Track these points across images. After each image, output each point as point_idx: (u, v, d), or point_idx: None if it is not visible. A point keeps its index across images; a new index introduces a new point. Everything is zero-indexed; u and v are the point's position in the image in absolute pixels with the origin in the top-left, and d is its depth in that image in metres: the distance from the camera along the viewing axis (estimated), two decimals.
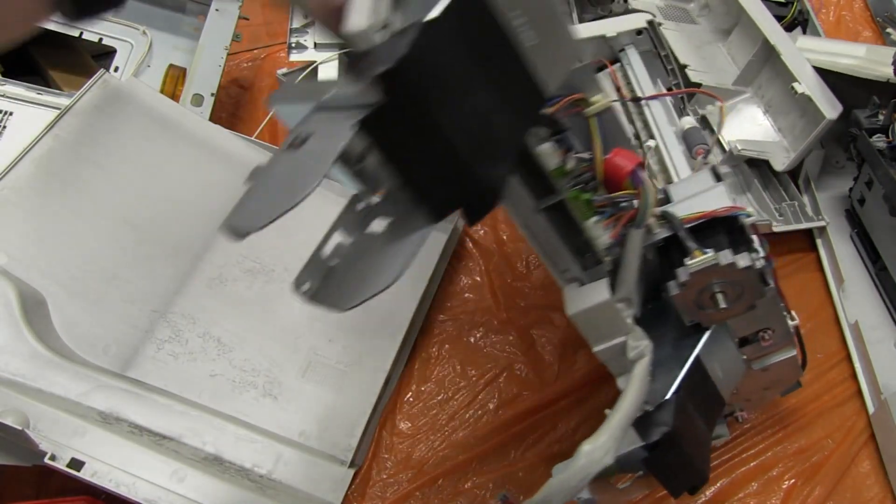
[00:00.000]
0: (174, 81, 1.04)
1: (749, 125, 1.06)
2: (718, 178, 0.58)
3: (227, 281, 0.81)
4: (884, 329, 0.87)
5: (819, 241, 1.00)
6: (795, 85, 0.96)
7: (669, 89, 0.94)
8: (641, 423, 0.55)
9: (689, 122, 0.84)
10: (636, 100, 0.89)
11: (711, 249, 0.52)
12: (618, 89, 0.88)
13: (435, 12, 0.34)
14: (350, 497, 0.72)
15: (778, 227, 0.95)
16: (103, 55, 1.10)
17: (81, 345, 0.73)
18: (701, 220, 0.54)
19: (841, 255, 0.95)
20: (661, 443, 0.54)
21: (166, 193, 0.85)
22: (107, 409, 0.70)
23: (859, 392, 0.85)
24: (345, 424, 0.75)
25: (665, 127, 0.82)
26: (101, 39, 1.01)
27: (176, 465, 0.67)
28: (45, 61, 1.10)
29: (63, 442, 0.65)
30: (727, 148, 1.02)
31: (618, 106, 0.87)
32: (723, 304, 0.54)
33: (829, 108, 0.92)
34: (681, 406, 0.54)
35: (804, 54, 0.99)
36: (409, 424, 0.80)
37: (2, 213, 0.75)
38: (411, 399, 0.82)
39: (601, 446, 0.46)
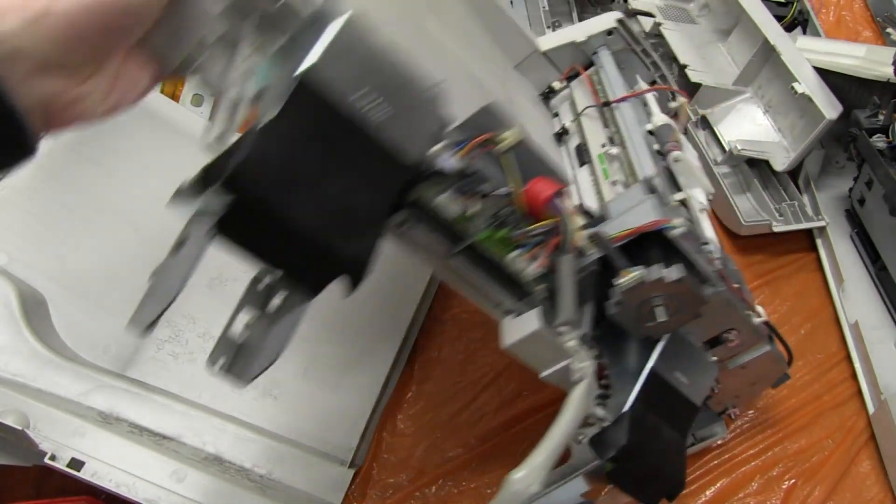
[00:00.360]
0: (174, 82, 1.04)
1: (749, 125, 1.06)
2: (652, 189, 0.57)
3: (228, 281, 0.81)
4: (884, 329, 0.87)
5: (819, 241, 1.00)
6: (795, 85, 0.96)
7: (653, 82, 0.94)
8: (598, 439, 0.56)
9: (661, 118, 0.83)
10: (606, 104, 0.87)
11: (641, 266, 0.53)
12: (596, 94, 0.88)
13: (271, 113, 0.36)
14: (350, 497, 0.72)
15: (778, 227, 0.95)
16: None
17: (81, 345, 0.73)
18: (631, 237, 0.54)
19: (841, 255, 0.95)
20: (620, 458, 0.55)
21: (166, 193, 0.85)
22: (107, 409, 0.70)
23: (859, 392, 0.85)
24: (345, 424, 0.75)
25: (634, 128, 0.81)
26: None
27: (176, 465, 0.67)
28: None
29: (63, 442, 0.65)
30: (727, 148, 1.02)
31: (584, 121, 0.87)
32: (662, 318, 0.54)
33: (829, 108, 0.92)
34: (638, 419, 0.55)
35: (804, 54, 0.99)
36: (410, 424, 0.80)
37: (2, 213, 0.75)
38: (411, 399, 0.82)
39: (525, 477, 0.45)
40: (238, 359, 0.41)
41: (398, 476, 0.75)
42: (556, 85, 0.93)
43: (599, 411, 0.58)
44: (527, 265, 0.52)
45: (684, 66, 1.12)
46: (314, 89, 0.37)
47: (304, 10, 0.40)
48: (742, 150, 0.99)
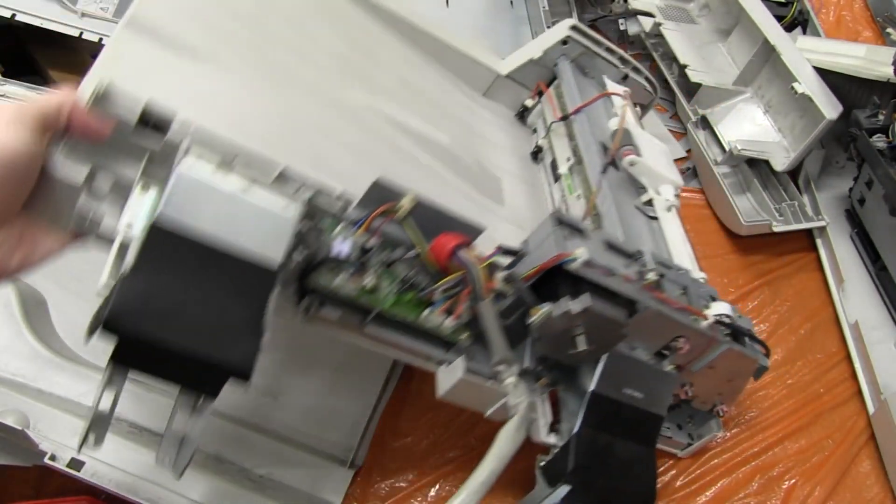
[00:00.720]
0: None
1: (749, 125, 1.06)
2: (559, 221, 0.58)
3: None
4: (884, 329, 0.87)
5: (819, 241, 1.00)
6: (795, 85, 0.96)
7: (626, 76, 0.94)
8: (548, 466, 0.58)
9: (613, 124, 0.83)
10: (565, 117, 0.88)
11: (548, 303, 0.55)
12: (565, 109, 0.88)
13: (130, 259, 0.42)
14: (350, 497, 0.72)
15: (778, 227, 0.95)
16: None
17: (81, 345, 0.73)
18: (539, 275, 0.56)
19: (841, 255, 0.95)
20: (571, 482, 0.56)
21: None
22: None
23: (859, 392, 0.85)
24: (345, 424, 0.75)
25: (589, 139, 0.81)
26: (101, 39, 1.01)
27: None
28: (45, 61, 1.10)
29: (63, 442, 0.65)
30: (727, 148, 1.02)
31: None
32: (583, 346, 0.55)
33: (829, 108, 0.92)
34: (585, 442, 0.57)
35: (804, 54, 0.99)
36: (410, 425, 0.80)
37: None
38: (412, 399, 0.82)
39: None
40: (178, 456, 0.48)
41: (398, 476, 0.75)
42: (529, 102, 0.94)
43: (552, 438, 0.60)
44: (442, 319, 0.55)
45: (684, 66, 1.12)
46: (167, 229, 0.43)
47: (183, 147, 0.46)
48: (742, 150, 0.99)
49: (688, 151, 1.13)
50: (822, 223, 0.98)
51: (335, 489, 0.71)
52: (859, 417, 0.83)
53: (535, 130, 0.93)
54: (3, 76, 0.94)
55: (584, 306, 0.54)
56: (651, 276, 0.59)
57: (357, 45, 0.81)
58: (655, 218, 0.75)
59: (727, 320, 0.63)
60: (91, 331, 0.42)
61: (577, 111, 0.83)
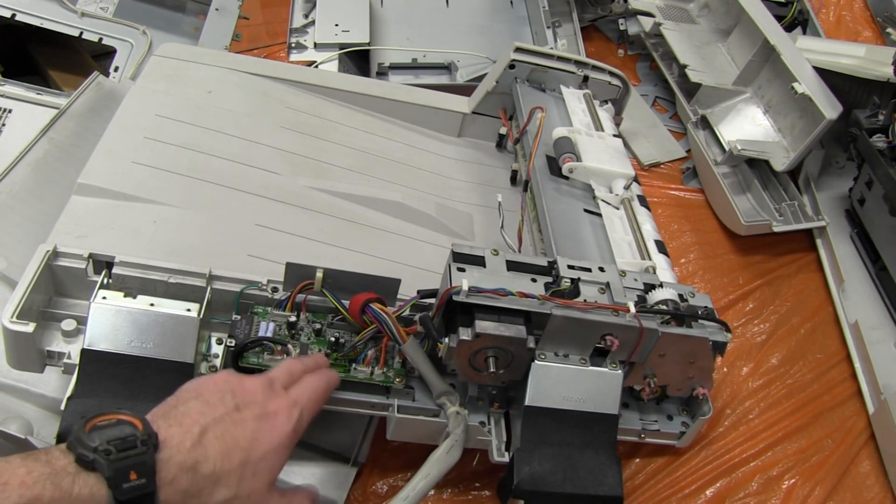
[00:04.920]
0: None
1: (749, 125, 1.06)
2: (455, 255, 0.61)
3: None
4: (884, 329, 0.87)
5: (819, 241, 1.00)
6: (795, 85, 0.96)
7: (586, 78, 0.96)
8: (501, 485, 0.62)
9: (559, 132, 0.84)
10: (516, 141, 0.92)
11: (447, 337, 0.59)
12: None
13: (70, 387, 0.54)
14: (350, 496, 0.72)
15: (778, 227, 0.95)
16: (103, 55, 1.10)
17: None
18: (441, 310, 0.60)
19: (841, 255, 0.95)
20: (523, 496, 0.59)
21: None
22: None
23: (859, 392, 0.85)
24: (348, 423, 0.75)
25: (539, 153, 0.83)
26: (101, 39, 1.01)
27: None
28: (45, 61, 1.10)
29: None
30: (727, 148, 1.02)
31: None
32: (492, 368, 0.59)
33: (829, 108, 0.92)
34: (526, 457, 0.59)
35: (804, 54, 0.99)
36: None
37: (1, 219, 0.75)
38: None
39: None
40: None
41: (398, 476, 0.75)
42: (503, 130, 0.98)
43: (504, 458, 0.63)
44: (370, 369, 0.62)
45: (684, 66, 1.12)
46: (95, 353, 0.55)
47: None
48: (742, 150, 0.99)
49: (688, 151, 1.13)
50: (822, 223, 0.98)
51: (338, 487, 0.71)
52: (859, 417, 0.83)
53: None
54: (3, 76, 0.94)
55: (474, 332, 0.57)
56: (564, 282, 0.61)
57: (308, 130, 0.89)
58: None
59: (667, 306, 0.63)
60: None
61: (521, 133, 0.88)
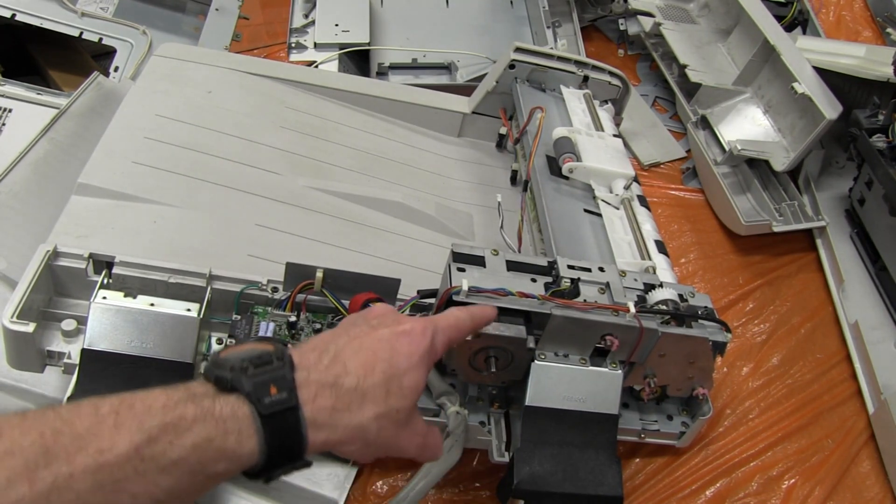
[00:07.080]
0: None
1: (749, 125, 1.06)
2: (455, 255, 0.61)
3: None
4: (884, 329, 0.87)
5: (819, 241, 1.00)
6: (795, 85, 0.96)
7: (586, 78, 0.96)
8: (501, 485, 0.62)
9: (559, 132, 0.85)
10: (516, 141, 0.92)
11: None
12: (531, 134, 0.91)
13: (71, 387, 0.56)
14: (352, 496, 0.72)
15: (778, 227, 0.95)
16: (103, 55, 1.10)
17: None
18: (441, 308, 0.59)
19: (841, 255, 0.95)
20: (523, 497, 0.59)
21: None
22: None
23: (859, 392, 0.85)
24: None
25: (539, 153, 0.83)
26: (101, 39, 1.01)
27: None
28: (45, 61, 1.10)
29: None
30: (727, 148, 1.02)
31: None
32: (492, 368, 0.59)
33: (829, 108, 0.92)
34: (526, 457, 0.59)
35: (804, 54, 0.99)
36: None
37: (1, 219, 0.75)
38: None
39: None
40: None
41: (398, 476, 0.75)
42: (503, 130, 0.98)
43: (504, 458, 0.64)
44: None
45: (684, 66, 1.12)
46: (96, 353, 0.56)
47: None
48: (742, 150, 0.99)
49: (688, 151, 1.13)
50: (822, 223, 0.98)
51: (338, 487, 0.71)
52: (859, 417, 0.83)
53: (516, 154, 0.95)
54: (3, 76, 0.94)
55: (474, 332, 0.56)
56: (564, 282, 0.61)
57: (308, 130, 0.90)
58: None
59: (667, 306, 0.63)
60: None
61: (521, 133, 0.88)
